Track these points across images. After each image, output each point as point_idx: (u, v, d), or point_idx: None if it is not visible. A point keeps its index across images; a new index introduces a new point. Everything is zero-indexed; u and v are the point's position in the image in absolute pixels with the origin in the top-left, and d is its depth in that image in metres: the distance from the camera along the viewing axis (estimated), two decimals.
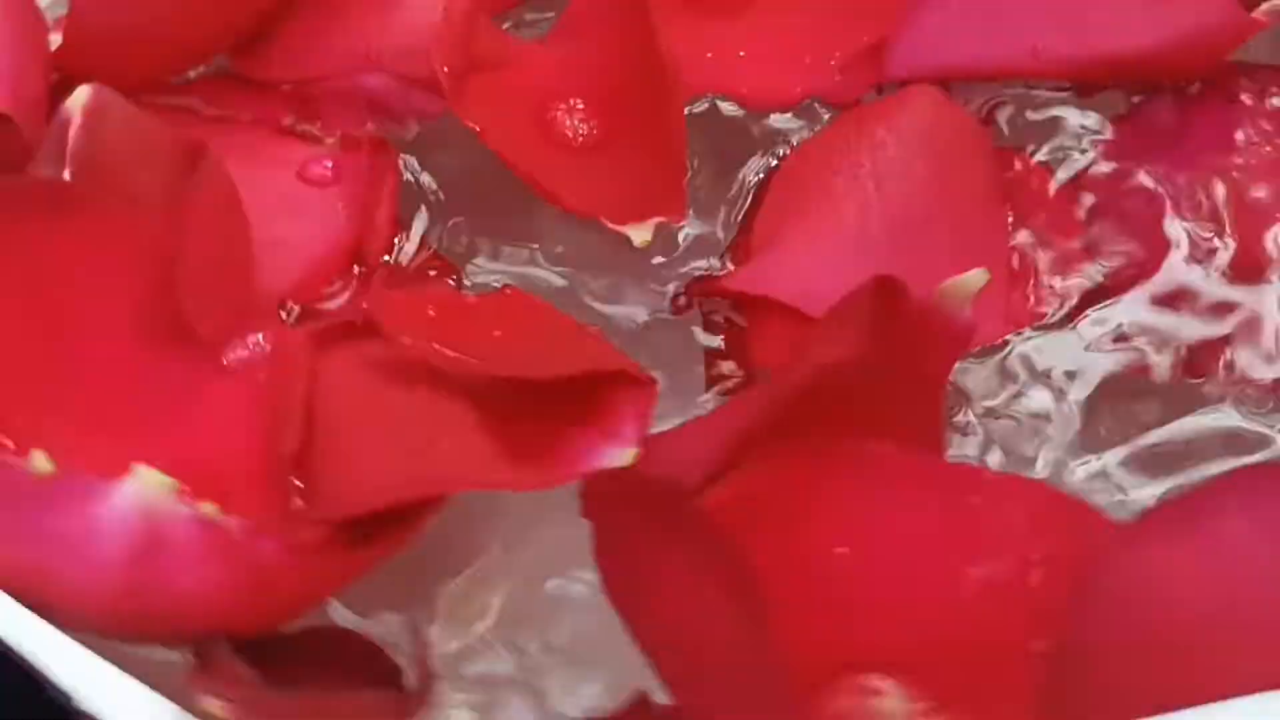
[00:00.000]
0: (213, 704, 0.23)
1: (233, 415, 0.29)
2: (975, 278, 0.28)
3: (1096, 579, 0.22)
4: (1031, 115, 0.34)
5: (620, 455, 0.26)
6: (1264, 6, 0.34)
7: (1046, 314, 0.32)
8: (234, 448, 0.28)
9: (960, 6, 0.34)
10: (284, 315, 0.31)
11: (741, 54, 0.35)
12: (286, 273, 0.31)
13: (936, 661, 0.24)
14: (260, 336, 0.29)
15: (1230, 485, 0.24)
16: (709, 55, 0.35)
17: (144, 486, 0.24)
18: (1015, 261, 0.32)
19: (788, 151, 0.34)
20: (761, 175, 0.34)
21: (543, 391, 0.28)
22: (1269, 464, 0.28)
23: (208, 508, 0.25)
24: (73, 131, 0.29)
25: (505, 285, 0.32)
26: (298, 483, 0.27)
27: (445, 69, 0.32)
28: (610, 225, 0.31)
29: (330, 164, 0.33)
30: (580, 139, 0.33)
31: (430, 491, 0.26)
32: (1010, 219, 0.33)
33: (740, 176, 0.34)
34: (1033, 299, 0.32)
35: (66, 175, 0.29)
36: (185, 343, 0.29)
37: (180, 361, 0.29)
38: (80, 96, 0.29)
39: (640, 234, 0.31)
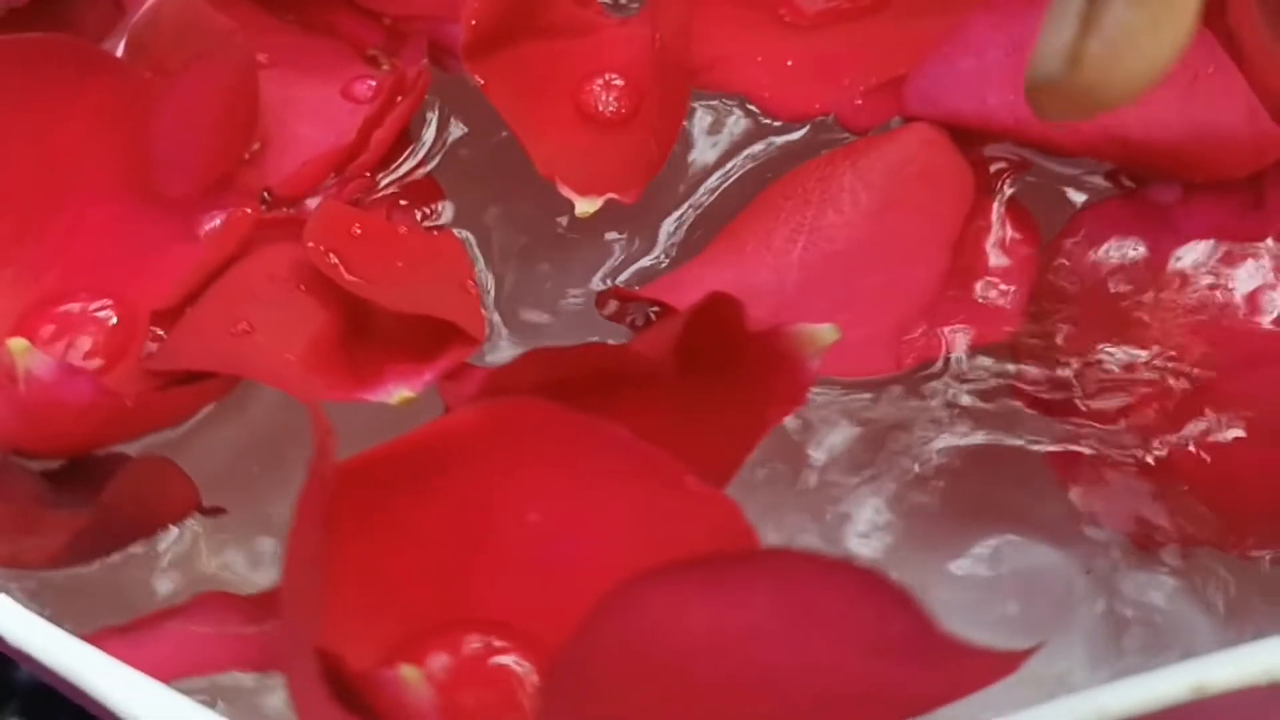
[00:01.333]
0: None
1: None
2: (826, 333, 0.28)
3: (621, 609, 0.23)
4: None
5: (394, 393, 0.29)
6: None
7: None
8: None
9: (990, 57, 0.34)
10: (263, 201, 0.34)
11: (789, 63, 0.36)
12: (282, 167, 0.35)
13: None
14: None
15: (767, 560, 0.24)
16: (759, 59, 0.36)
17: None
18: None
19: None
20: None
21: (395, 324, 0.30)
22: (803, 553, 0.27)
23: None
24: (141, 10, 0.34)
25: (449, 229, 0.34)
26: (159, 332, 0.31)
27: (472, 21, 0.34)
28: (562, 188, 0.33)
29: (373, 84, 0.36)
30: (608, 114, 0.35)
31: (229, 370, 0.29)
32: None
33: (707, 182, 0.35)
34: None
35: (120, 48, 0.34)
36: (162, 207, 0.33)
37: (156, 224, 0.33)
38: None
39: (585, 205, 0.33)
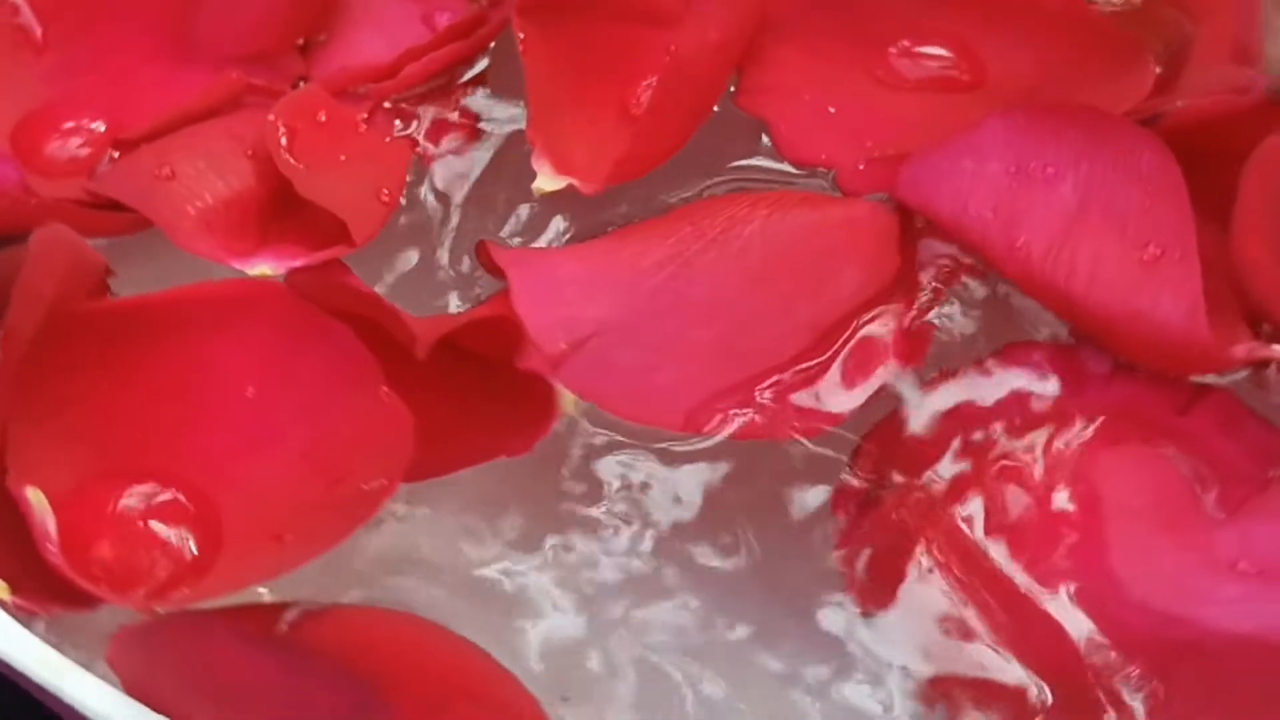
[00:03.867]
0: None
1: None
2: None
3: None
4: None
5: (255, 266, 0.31)
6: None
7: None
8: None
9: (990, 168, 0.31)
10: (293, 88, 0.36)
11: (831, 110, 0.35)
12: (330, 63, 0.36)
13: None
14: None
15: None
16: (806, 98, 0.35)
17: None
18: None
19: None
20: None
21: (303, 208, 0.32)
22: None
23: None
24: None
25: (410, 139, 0.35)
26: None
27: None
28: (538, 157, 0.33)
29: (448, 17, 0.37)
30: (636, 111, 0.35)
31: (134, 205, 0.32)
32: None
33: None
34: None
35: None
36: (198, 65, 0.36)
37: (185, 75, 0.36)
38: None
39: (548, 183, 0.33)
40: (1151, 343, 0.29)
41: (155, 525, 0.28)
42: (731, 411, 0.30)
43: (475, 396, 0.30)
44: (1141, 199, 0.30)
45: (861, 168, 0.33)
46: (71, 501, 0.27)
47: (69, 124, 0.35)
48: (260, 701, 0.25)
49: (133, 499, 0.28)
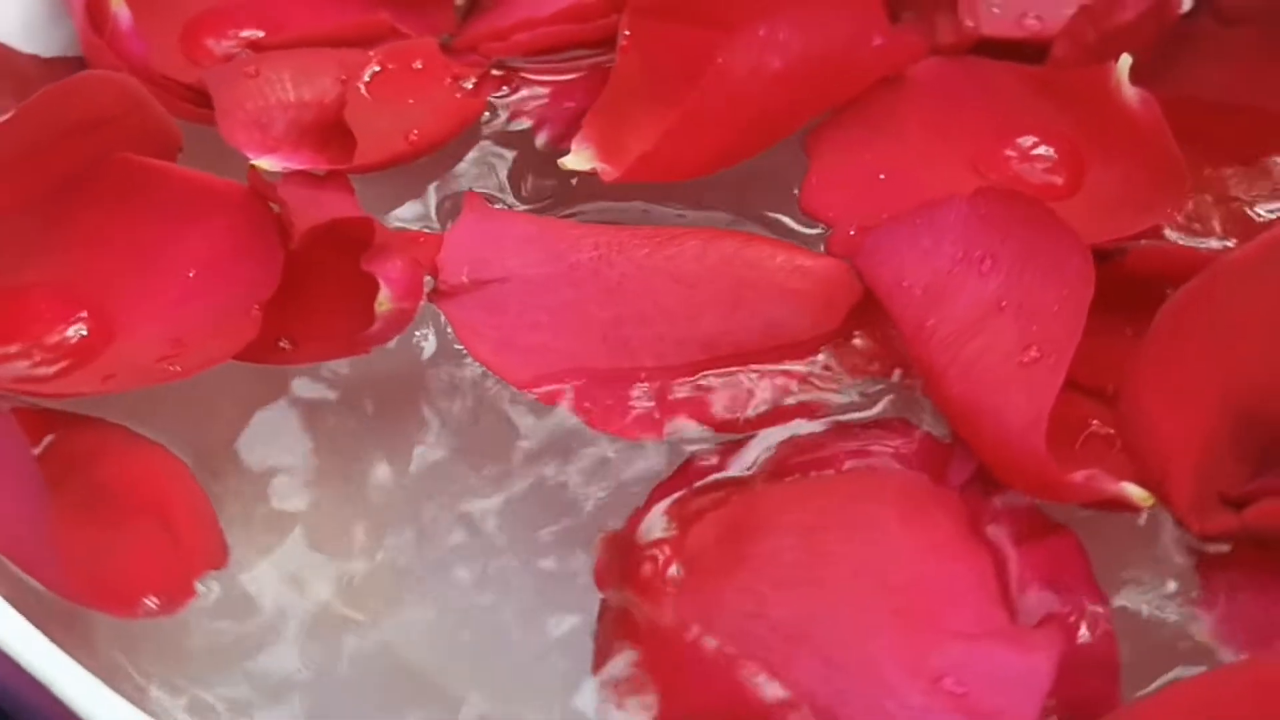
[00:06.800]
0: None
1: None
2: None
3: None
4: None
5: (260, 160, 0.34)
6: None
7: None
8: None
9: (944, 251, 0.30)
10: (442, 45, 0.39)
11: (881, 176, 0.34)
12: (482, 25, 0.39)
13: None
14: None
15: None
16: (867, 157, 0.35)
17: None
18: None
19: None
20: None
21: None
22: None
23: None
24: None
25: (483, 103, 0.36)
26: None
27: None
28: (582, 136, 0.34)
29: None
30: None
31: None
32: None
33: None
34: None
35: None
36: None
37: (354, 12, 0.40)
38: None
39: (575, 161, 0.34)
40: (998, 448, 0.27)
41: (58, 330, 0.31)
42: (574, 386, 0.30)
43: (337, 291, 0.31)
44: (1052, 305, 0.28)
45: (852, 233, 0.32)
46: None
47: (232, 29, 0.39)
48: None
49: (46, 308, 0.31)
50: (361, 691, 0.29)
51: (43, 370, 0.31)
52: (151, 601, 0.28)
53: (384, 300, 0.30)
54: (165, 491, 0.29)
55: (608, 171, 0.34)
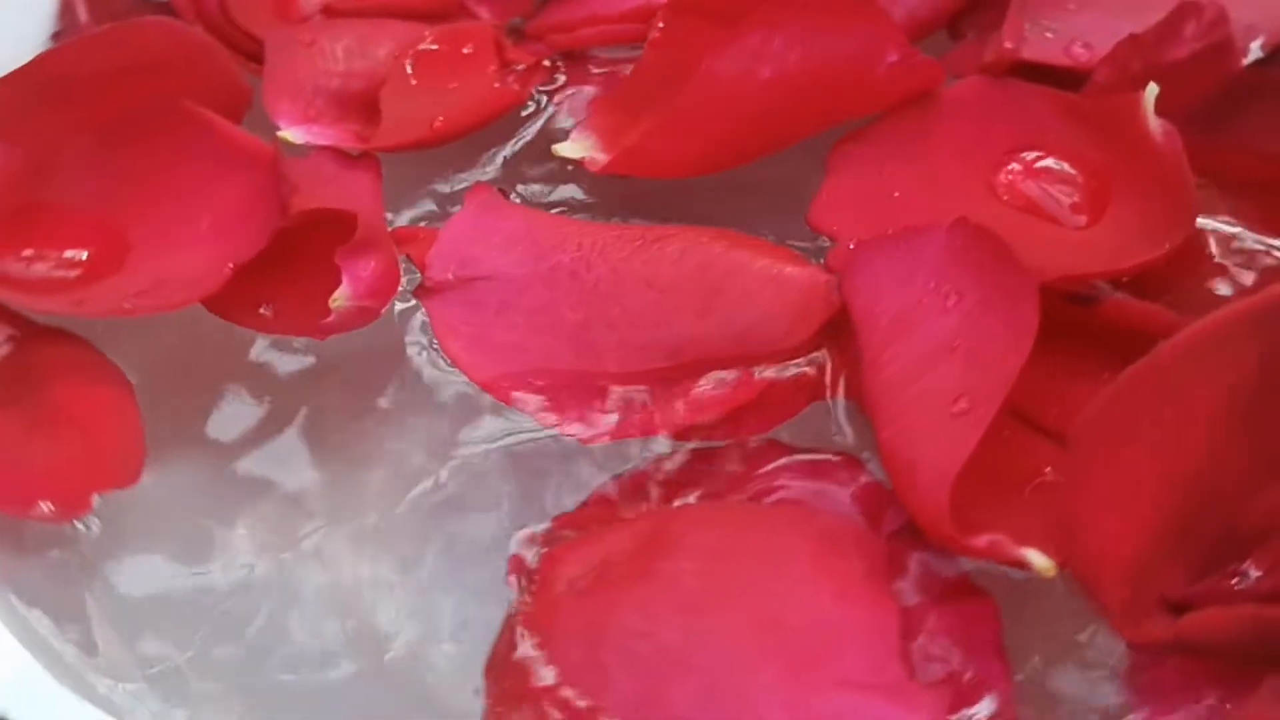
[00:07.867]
0: None
1: None
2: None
3: None
4: None
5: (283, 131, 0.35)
6: None
7: None
8: None
9: (917, 282, 0.29)
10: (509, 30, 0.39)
11: (896, 194, 0.33)
12: (550, 17, 0.39)
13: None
14: None
15: None
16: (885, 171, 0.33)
17: None
18: None
19: None
20: None
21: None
22: None
23: None
24: None
25: (522, 93, 0.36)
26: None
27: None
28: (581, 125, 0.35)
29: None
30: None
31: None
32: None
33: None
34: None
35: None
36: None
37: None
38: None
39: (571, 149, 0.34)
40: (911, 499, 0.26)
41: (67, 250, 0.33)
42: (536, 387, 0.30)
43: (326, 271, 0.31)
44: (997, 352, 0.27)
45: (851, 246, 0.31)
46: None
47: None
48: None
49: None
50: None
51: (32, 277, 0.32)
52: (46, 506, 0.28)
53: (340, 297, 0.30)
54: (101, 406, 0.30)
55: (594, 161, 0.33)
